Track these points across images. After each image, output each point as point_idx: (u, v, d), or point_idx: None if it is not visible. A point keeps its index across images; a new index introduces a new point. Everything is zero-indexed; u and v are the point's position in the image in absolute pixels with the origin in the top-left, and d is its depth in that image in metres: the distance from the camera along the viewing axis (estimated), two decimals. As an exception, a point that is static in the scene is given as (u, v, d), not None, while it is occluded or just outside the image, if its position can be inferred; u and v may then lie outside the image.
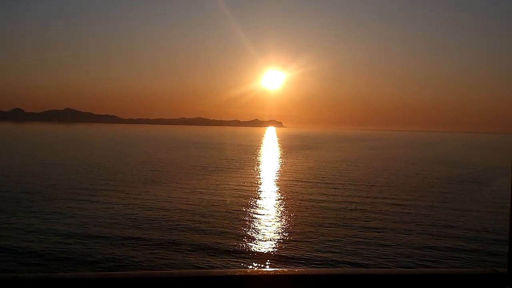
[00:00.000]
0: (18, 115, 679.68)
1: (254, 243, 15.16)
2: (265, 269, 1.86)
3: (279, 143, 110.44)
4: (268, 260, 13.58)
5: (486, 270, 1.85)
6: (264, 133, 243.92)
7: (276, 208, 21.30)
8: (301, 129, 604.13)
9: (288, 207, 21.42)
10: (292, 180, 32.29)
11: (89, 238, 15.11)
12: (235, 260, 13.36)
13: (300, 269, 1.85)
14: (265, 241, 15.49)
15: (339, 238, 15.73)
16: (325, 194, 25.75)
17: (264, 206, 21.72)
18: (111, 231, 16.01)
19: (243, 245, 14.83)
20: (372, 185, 30.01)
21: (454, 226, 18.14)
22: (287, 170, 39.79)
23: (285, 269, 1.83)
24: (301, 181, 31.37)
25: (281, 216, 19.45)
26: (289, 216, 19.36)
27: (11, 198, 21.83)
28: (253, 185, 29.46)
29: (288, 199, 23.75)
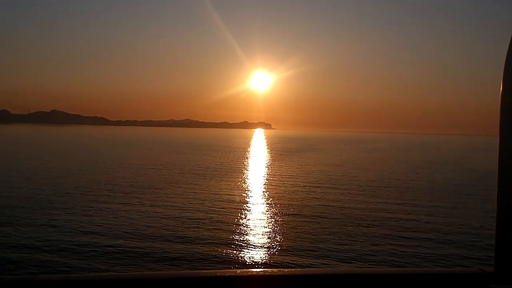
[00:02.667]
0: (4, 117, 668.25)
1: (264, 249, 14.40)
2: (254, 270, 1.85)
3: (274, 145, 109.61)
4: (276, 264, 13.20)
5: (473, 269, 1.84)
6: (256, 135, 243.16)
7: (288, 212, 20.40)
8: (290, 131, 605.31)
9: (298, 210, 20.64)
10: (303, 184, 31.42)
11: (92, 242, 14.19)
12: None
13: (290, 270, 1.84)
14: (277, 245, 14.73)
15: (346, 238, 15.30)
16: (342, 199, 24.98)
17: (276, 211, 20.81)
18: (105, 235, 15.32)
19: (252, 251, 14.19)
20: (386, 188, 29.37)
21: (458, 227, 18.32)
22: (294, 174, 38.89)
23: (275, 270, 1.81)
24: (312, 185, 30.53)
25: (292, 220, 18.70)
26: (300, 219, 18.70)
27: (9, 203, 20.63)
28: (265, 190, 28.53)
29: (299, 203, 22.89)
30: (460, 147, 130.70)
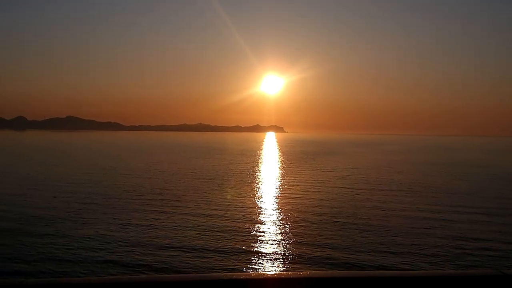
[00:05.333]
0: (20, 123, 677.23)
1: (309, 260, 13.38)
2: (269, 273, 1.83)
3: (293, 149, 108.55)
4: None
5: (493, 271, 1.84)
6: (269, 139, 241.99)
7: (333, 218, 19.37)
8: (302, 134, 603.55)
9: (346, 215, 19.59)
10: (342, 188, 30.34)
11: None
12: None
13: (305, 272, 1.85)
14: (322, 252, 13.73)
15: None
16: (391, 203, 23.92)
17: (322, 217, 19.80)
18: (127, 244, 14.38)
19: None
20: (426, 190, 28.21)
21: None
22: (328, 178, 37.77)
23: (290, 273, 1.81)
24: (353, 188, 29.43)
25: (341, 225, 17.60)
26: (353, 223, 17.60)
27: (36, 212, 20.01)
28: (304, 195, 27.52)
29: (345, 208, 21.84)
30: (480, 148, 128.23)
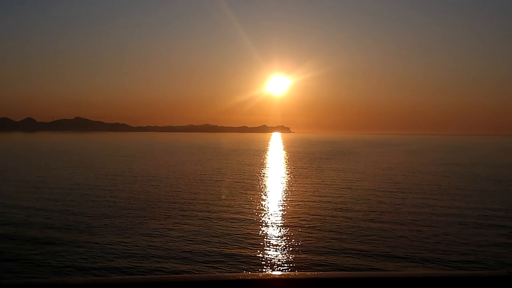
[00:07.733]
0: (29, 125, 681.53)
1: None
2: (276, 273, 1.84)
3: (303, 149, 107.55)
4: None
5: (500, 272, 1.83)
6: (278, 139, 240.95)
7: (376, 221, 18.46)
8: (309, 134, 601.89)
9: (390, 217, 18.68)
10: (374, 189, 29.38)
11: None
12: None
13: (313, 273, 1.84)
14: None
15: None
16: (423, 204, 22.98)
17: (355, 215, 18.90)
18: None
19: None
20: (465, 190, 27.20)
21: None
22: (355, 178, 36.77)
23: (297, 273, 1.82)
24: (385, 190, 28.49)
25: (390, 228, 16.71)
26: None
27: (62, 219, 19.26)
28: (330, 197, 26.62)
29: (386, 210, 20.92)
30: (491, 147, 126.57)
